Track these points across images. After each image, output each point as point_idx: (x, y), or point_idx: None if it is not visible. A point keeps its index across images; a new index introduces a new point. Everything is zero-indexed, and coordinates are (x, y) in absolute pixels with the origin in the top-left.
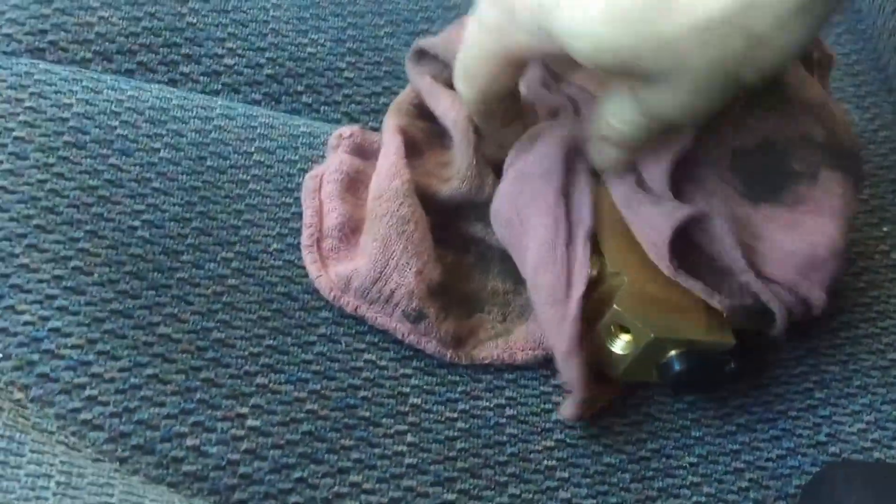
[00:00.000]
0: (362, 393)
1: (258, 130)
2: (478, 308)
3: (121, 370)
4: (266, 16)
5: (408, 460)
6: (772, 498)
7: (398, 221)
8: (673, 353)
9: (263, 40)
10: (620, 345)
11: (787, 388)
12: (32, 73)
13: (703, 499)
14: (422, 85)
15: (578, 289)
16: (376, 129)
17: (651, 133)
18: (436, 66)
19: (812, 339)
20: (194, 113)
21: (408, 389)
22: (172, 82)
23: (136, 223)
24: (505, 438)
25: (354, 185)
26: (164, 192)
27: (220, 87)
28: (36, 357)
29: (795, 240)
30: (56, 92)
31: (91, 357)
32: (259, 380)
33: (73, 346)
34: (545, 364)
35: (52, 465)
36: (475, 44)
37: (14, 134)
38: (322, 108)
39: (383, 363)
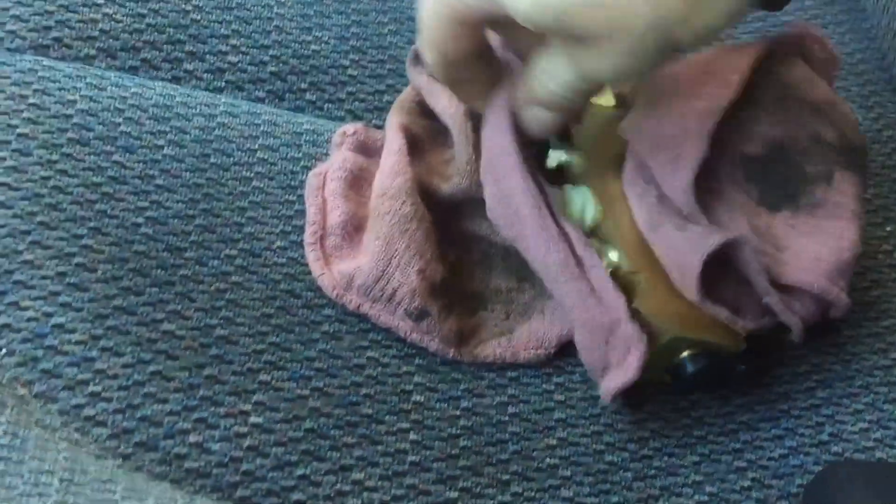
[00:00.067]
0: (365, 390)
1: (262, 128)
2: (481, 306)
3: (124, 366)
4: (270, 13)
5: (410, 458)
6: (774, 497)
7: (401, 219)
8: (686, 354)
9: (267, 38)
10: None
11: (789, 387)
12: (36, 70)
13: (706, 497)
14: (420, 83)
15: (592, 259)
16: (380, 127)
17: (585, 95)
18: None
19: (815, 338)
20: (198, 110)
21: (410, 387)
22: (176, 80)
23: (140, 220)
24: (507, 436)
25: (358, 182)
26: (167, 190)
27: (223, 84)
28: (39, 353)
29: (820, 246)
30: (60, 89)
31: (94, 353)
32: (262, 377)
33: (77, 343)
34: (548, 362)
35: (55, 461)
36: (428, 6)
37: (18, 131)
38: (326, 105)
39: (386, 360)
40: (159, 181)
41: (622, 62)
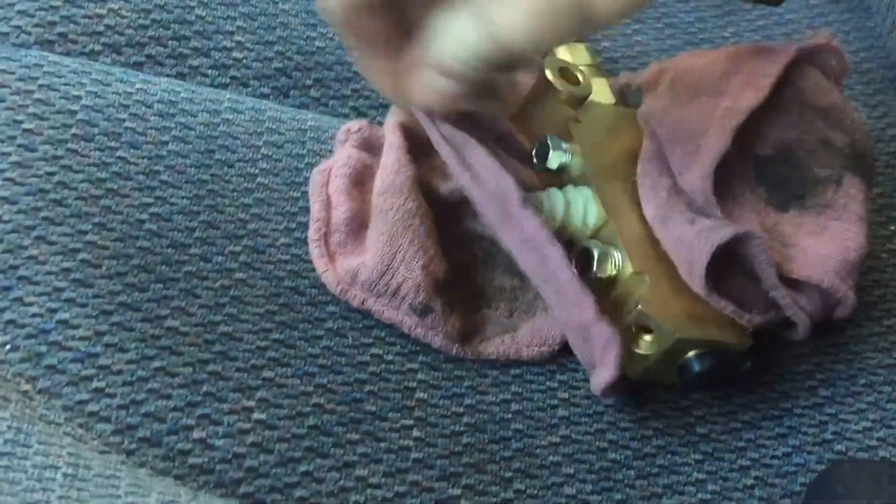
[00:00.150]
0: (368, 387)
1: (266, 124)
2: (484, 304)
3: (128, 362)
4: (275, 9)
5: (413, 455)
6: (777, 495)
7: (404, 215)
8: (692, 353)
9: (272, 34)
10: (643, 345)
11: (792, 386)
12: (41, 66)
13: (708, 496)
14: None
15: (559, 261)
16: (384, 125)
17: (492, 66)
18: None
19: (818, 337)
20: (203, 106)
21: (414, 384)
22: (181, 75)
23: (144, 216)
24: (510, 434)
25: (362, 179)
26: (172, 185)
27: (228, 80)
28: (43, 349)
29: (827, 245)
30: (65, 84)
31: (98, 349)
32: (266, 373)
33: (81, 338)
34: (551, 360)
35: (59, 456)
36: None
37: (23, 126)
38: (330, 102)
39: (390, 358)
40: (164, 177)
41: (534, 24)
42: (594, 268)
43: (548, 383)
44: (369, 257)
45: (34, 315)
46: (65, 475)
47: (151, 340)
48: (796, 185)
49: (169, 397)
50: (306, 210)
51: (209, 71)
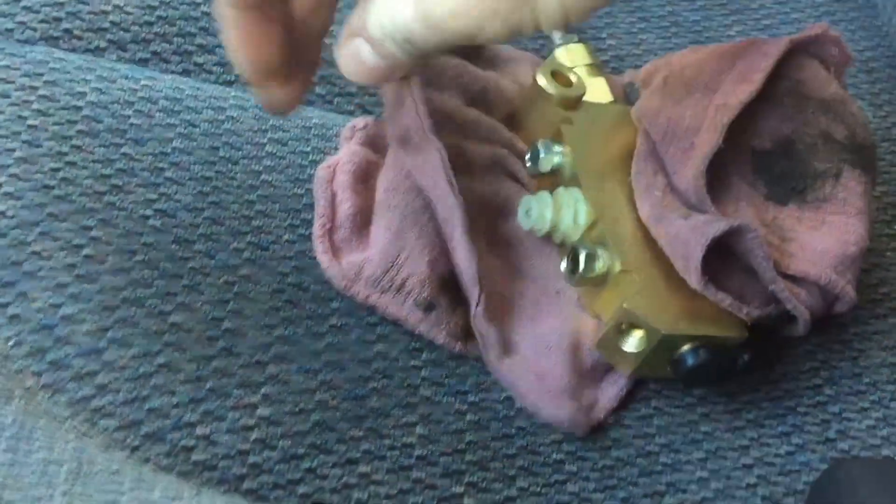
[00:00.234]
0: (372, 384)
1: (271, 121)
2: None
3: (132, 358)
4: None
5: (417, 452)
6: (780, 494)
7: (412, 213)
8: (686, 347)
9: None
10: (633, 342)
11: (796, 385)
12: (46, 62)
13: (712, 494)
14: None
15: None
16: None
17: (420, 47)
18: None
19: (822, 335)
20: (207, 103)
21: (418, 381)
22: (186, 72)
23: (149, 212)
24: (514, 431)
25: (367, 176)
26: (176, 182)
27: (233, 77)
28: (48, 344)
29: (826, 239)
30: (70, 81)
31: (102, 345)
32: (269, 369)
33: (85, 334)
34: None
35: (63, 451)
36: None
37: (28, 122)
38: (335, 99)
39: (394, 355)
40: (168, 174)
41: (471, 6)
42: (581, 269)
43: None
44: (374, 252)
45: (39, 310)
46: (69, 470)
47: (156, 336)
48: (796, 178)
49: (173, 393)
50: (311, 207)
51: (214, 68)
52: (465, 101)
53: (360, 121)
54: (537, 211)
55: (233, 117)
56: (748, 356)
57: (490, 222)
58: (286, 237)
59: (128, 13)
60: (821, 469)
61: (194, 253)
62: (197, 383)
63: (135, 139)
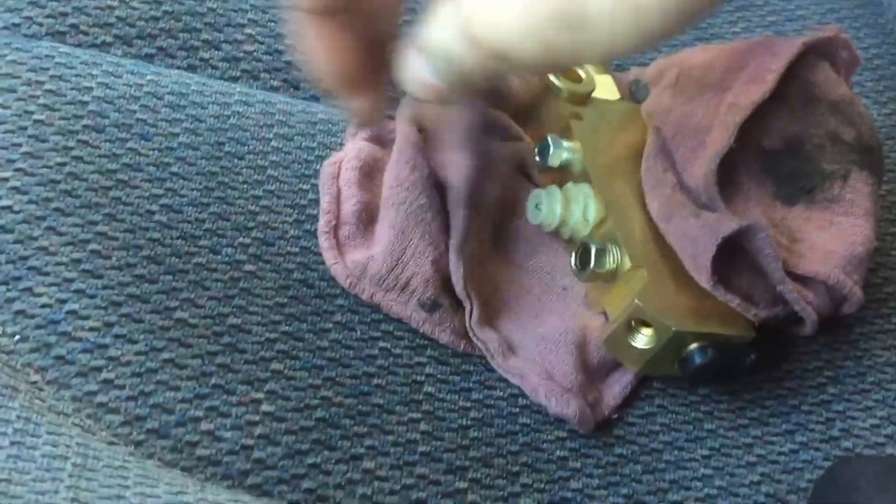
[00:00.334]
0: (376, 381)
1: (276, 117)
2: None
3: (137, 354)
4: (286, 1)
5: (421, 448)
6: (784, 491)
7: (416, 210)
8: (694, 346)
9: (283, 26)
10: (642, 339)
11: (800, 383)
12: (53, 57)
13: (715, 491)
14: None
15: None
16: (395, 118)
17: (459, 69)
18: None
19: (827, 334)
20: (213, 99)
21: (422, 378)
22: (192, 68)
23: (155, 207)
24: (518, 428)
25: (373, 172)
26: (182, 177)
27: (239, 73)
28: (53, 339)
29: (834, 240)
30: (76, 75)
31: (108, 340)
32: (274, 366)
33: (90, 329)
34: None
35: (67, 447)
36: None
37: (34, 117)
38: None
39: (398, 351)
40: (174, 169)
41: (523, 26)
42: (592, 263)
43: None
44: (379, 250)
45: (43, 305)
46: (73, 465)
47: (160, 332)
48: (804, 179)
49: (177, 389)
50: (316, 202)
51: (220, 63)
52: None
53: None
54: (547, 205)
55: (238, 112)
56: (755, 356)
57: (498, 217)
58: (291, 233)
59: (134, 8)
60: (824, 467)
61: (199, 248)
62: (201, 379)
63: (140, 134)
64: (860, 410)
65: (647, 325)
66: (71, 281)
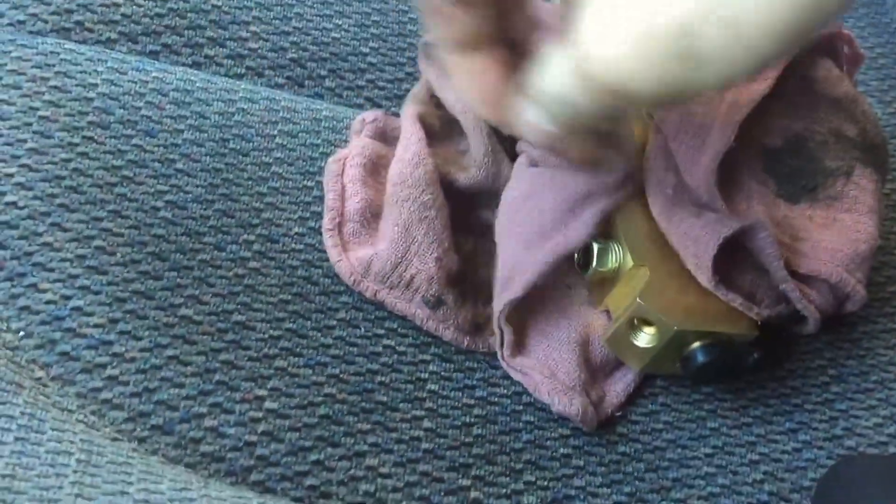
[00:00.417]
0: (380, 378)
1: (281, 114)
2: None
3: (141, 350)
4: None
5: (424, 445)
6: (786, 490)
7: (420, 207)
8: (696, 344)
9: (288, 24)
10: (644, 338)
11: (804, 382)
12: (58, 53)
13: (718, 489)
14: (431, 76)
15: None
16: (399, 115)
17: (577, 111)
18: None
19: (830, 333)
20: (218, 96)
21: (426, 375)
22: (196, 65)
23: (159, 204)
24: (521, 426)
25: (377, 170)
26: (187, 174)
27: (243, 70)
28: (57, 336)
29: (837, 238)
30: (81, 72)
31: (112, 337)
32: (278, 363)
33: (95, 326)
34: None
35: (72, 443)
36: None
37: (39, 113)
38: (345, 92)
39: (402, 349)
40: (179, 166)
41: (639, 68)
42: (594, 262)
43: None
44: (383, 248)
45: (48, 302)
46: (78, 461)
47: (165, 329)
48: (807, 176)
49: (181, 386)
50: (320, 199)
51: (225, 61)
52: None
53: (369, 114)
54: None
55: (243, 110)
56: (758, 354)
57: None
58: (296, 230)
59: (139, 5)
60: (827, 466)
61: (204, 245)
62: (205, 376)
63: (145, 131)
64: (863, 409)
65: (649, 323)
66: (75, 277)
